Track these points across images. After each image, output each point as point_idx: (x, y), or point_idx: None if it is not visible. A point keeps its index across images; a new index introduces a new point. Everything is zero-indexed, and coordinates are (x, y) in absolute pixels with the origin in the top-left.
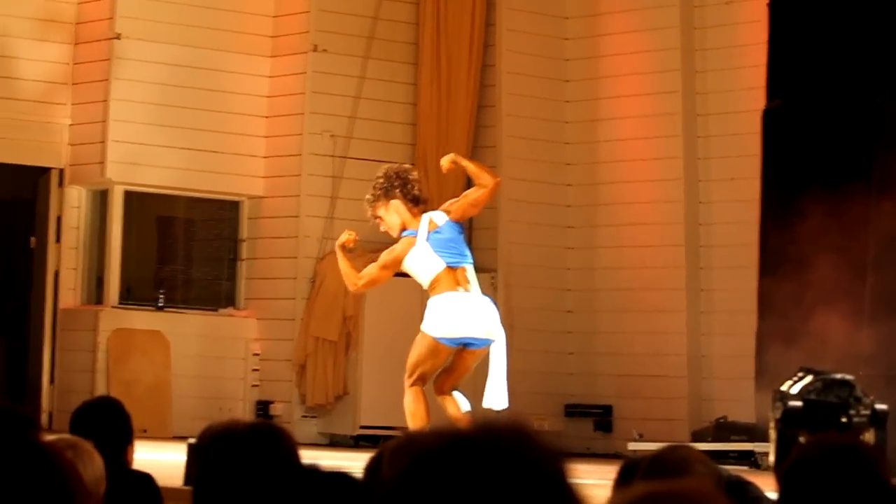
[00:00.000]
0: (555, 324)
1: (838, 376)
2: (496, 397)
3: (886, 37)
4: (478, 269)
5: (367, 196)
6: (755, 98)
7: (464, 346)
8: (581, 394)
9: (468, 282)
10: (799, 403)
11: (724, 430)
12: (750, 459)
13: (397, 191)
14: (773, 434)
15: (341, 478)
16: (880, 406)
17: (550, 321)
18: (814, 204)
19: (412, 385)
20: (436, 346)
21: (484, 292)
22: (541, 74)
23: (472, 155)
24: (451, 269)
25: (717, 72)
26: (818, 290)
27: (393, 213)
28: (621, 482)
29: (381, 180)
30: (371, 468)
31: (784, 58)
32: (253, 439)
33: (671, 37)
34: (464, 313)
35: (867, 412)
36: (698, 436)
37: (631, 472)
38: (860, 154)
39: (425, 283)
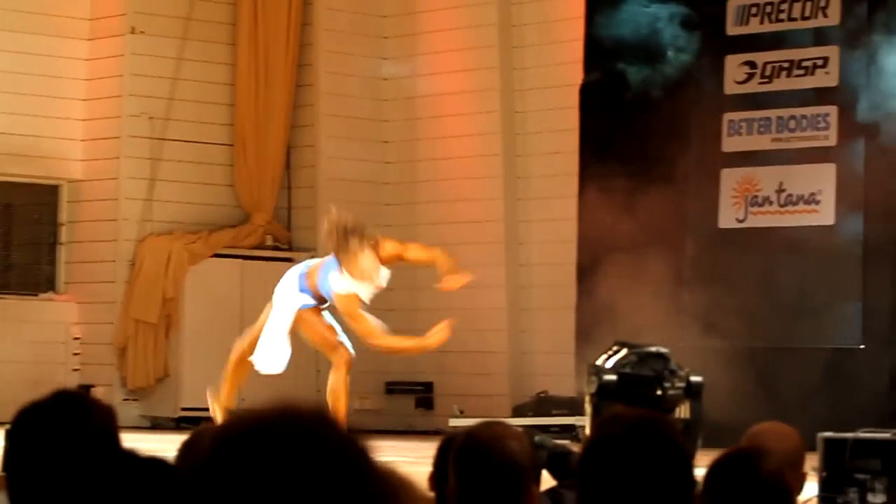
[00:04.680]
0: (376, 301)
1: (653, 349)
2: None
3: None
4: (297, 249)
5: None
6: (572, 72)
7: None
8: (402, 371)
9: None
10: (613, 377)
11: (545, 404)
12: (571, 433)
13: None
14: (588, 408)
15: (157, 464)
16: (695, 378)
17: (371, 299)
18: (631, 177)
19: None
20: None
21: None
22: (358, 52)
23: (292, 135)
24: None
25: (535, 47)
26: (636, 263)
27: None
28: (440, 458)
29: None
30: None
31: (600, 32)
32: (61, 413)
33: (488, 13)
34: None
35: (682, 384)
36: (519, 410)
37: (448, 448)
38: (676, 127)
39: None
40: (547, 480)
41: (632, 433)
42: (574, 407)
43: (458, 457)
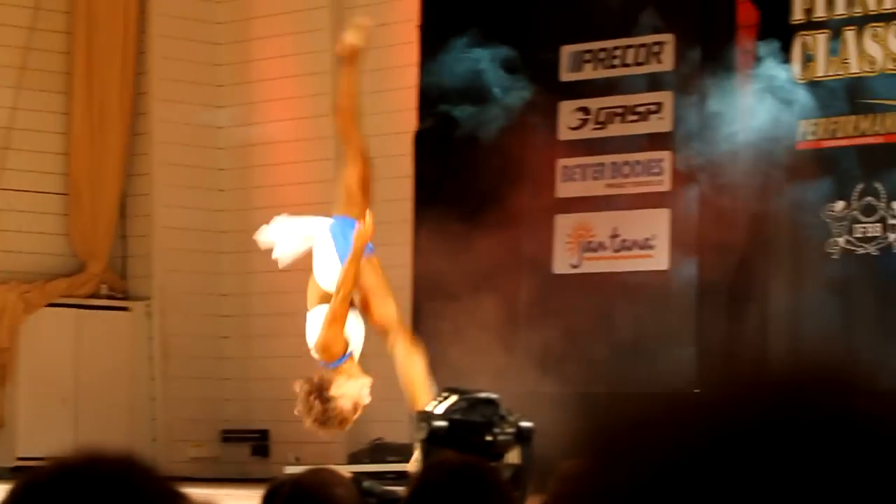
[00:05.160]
0: (211, 350)
1: (483, 395)
2: None
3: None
4: (132, 298)
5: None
6: (406, 120)
7: None
8: (238, 419)
9: None
10: (444, 423)
11: (380, 451)
12: (406, 480)
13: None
14: (418, 455)
15: None
16: (525, 423)
17: (206, 348)
18: (463, 221)
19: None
20: None
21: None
22: (193, 101)
23: (127, 183)
24: None
25: (369, 94)
26: (470, 308)
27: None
28: None
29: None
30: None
31: (430, 78)
32: None
33: (322, 61)
34: None
35: (512, 430)
36: (355, 457)
37: (275, 495)
38: (509, 171)
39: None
40: None
41: (454, 479)
42: (409, 454)
43: None
